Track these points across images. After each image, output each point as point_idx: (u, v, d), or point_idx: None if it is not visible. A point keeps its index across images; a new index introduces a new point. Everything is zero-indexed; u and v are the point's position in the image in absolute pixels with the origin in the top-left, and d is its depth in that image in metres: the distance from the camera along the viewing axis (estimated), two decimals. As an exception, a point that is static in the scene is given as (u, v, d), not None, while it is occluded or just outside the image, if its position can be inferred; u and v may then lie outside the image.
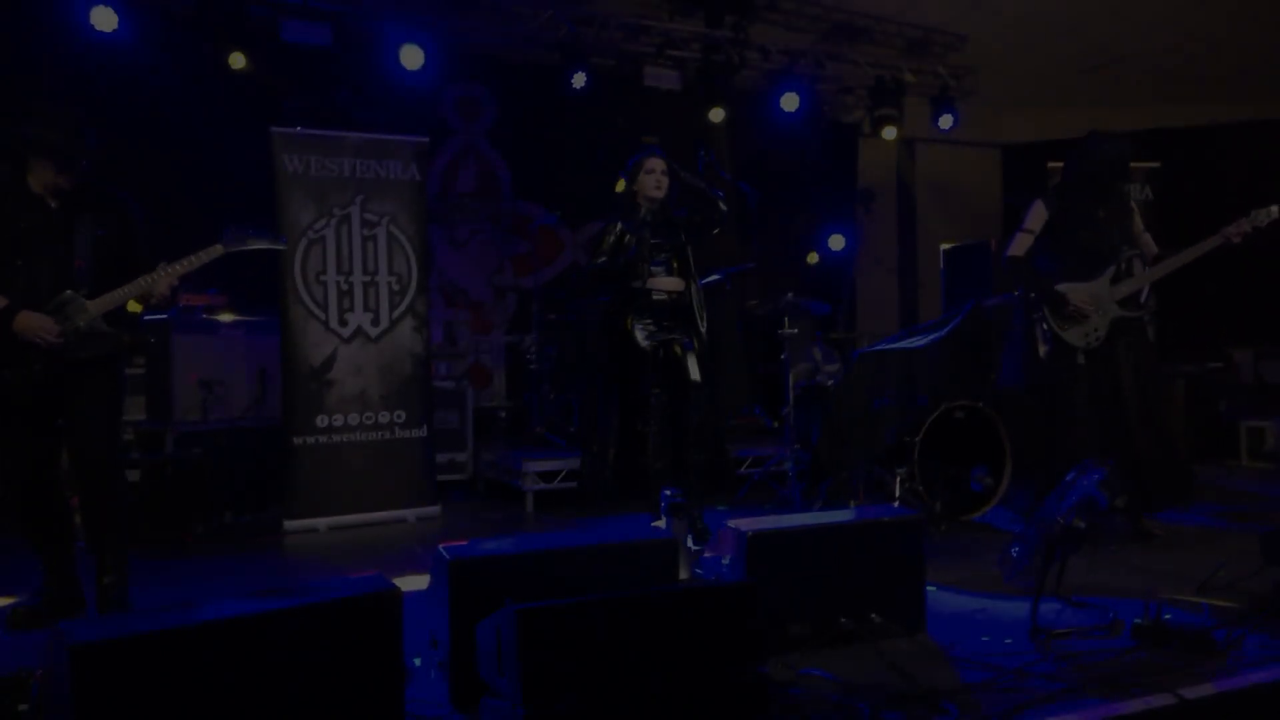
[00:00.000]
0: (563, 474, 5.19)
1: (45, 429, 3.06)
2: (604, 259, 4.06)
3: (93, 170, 3.09)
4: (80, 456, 3.03)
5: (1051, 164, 6.05)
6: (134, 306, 3.08)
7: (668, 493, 3.39)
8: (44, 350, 2.92)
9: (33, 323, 2.89)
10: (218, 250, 3.09)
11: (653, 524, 3.81)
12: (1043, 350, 3.99)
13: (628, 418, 4.33)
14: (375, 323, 4.95)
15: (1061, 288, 3.93)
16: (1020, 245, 4.05)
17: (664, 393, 4.03)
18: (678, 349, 4.04)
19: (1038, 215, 4.05)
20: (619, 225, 4.10)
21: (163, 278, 3.02)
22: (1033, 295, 4.06)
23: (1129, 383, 3.97)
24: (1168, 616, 2.62)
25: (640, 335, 4.02)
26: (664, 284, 4.09)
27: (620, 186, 4.12)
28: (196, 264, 3.07)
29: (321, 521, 4.71)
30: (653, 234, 4.07)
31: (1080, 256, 3.97)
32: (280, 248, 3.28)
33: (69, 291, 2.96)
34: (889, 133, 7.82)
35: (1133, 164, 6.48)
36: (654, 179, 4.08)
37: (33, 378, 2.95)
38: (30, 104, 3.02)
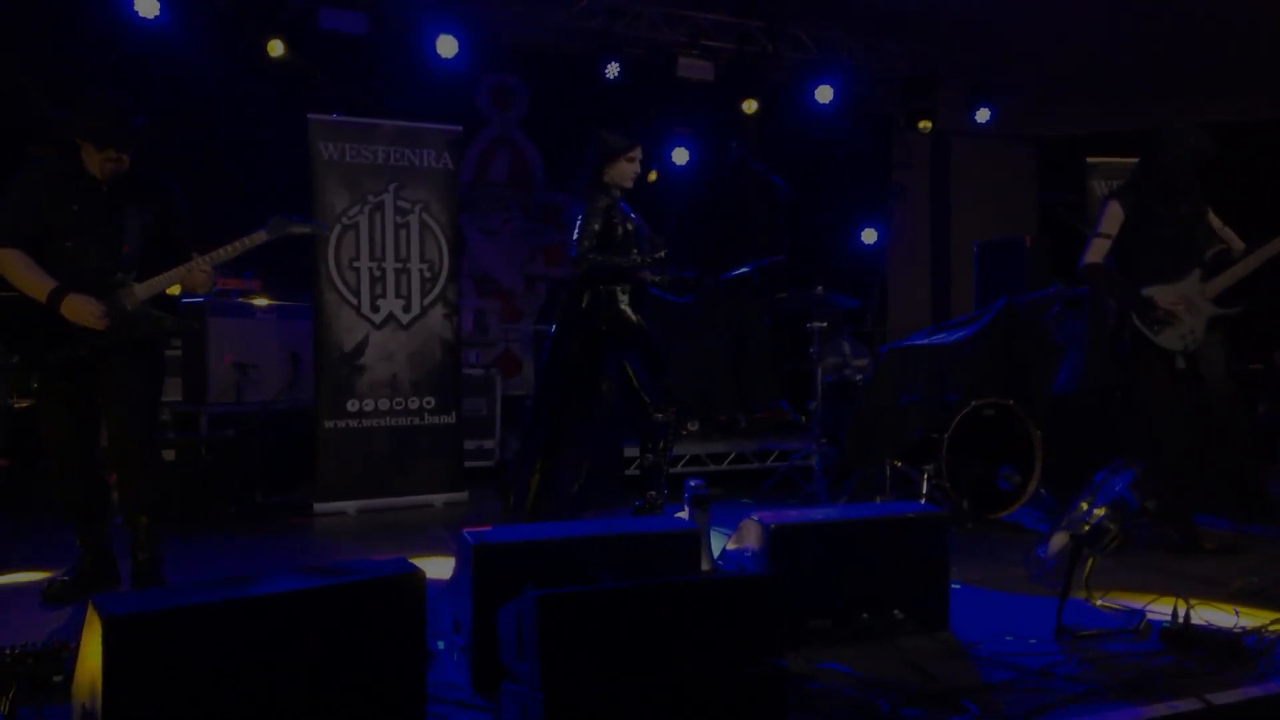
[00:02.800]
0: (588, 463, 5.21)
1: (86, 408, 3.13)
2: (596, 243, 3.64)
3: (139, 155, 3.15)
4: (118, 435, 3.10)
5: (1097, 160, 5.91)
6: (173, 289, 3.15)
7: (692, 484, 3.39)
8: (90, 332, 3.00)
9: (80, 306, 2.96)
10: (261, 237, 3.16)
11: (676, 514, 3.82)
12: (1126, 353, 3.78)
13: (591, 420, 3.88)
14: (406, 309, 5.00)
15: (1147, 291, 3.72)
16: (1097, 251, 3.81)
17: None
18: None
19: (1113, 217, 3.80)
20: (621, 209, 3.75)
21: (211, 259, 3.10)
22: (1116, 301, 3.82)
23: (1220, 384, 3.83)
24: (1197, 621, 2.58)
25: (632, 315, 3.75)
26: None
27: (638, 173, 3.91)
28: (240, 249, 3.14)
29: (350, 504, 4.78)
30: (636, 224, 3.81)
31: (1162, 256, 3.78)
32: (324, 232, 3.31)
33: (119, 274, 3.04)
34: (924, 126, 7.72)
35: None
36: (634, 168, 3.77)
37: (78, 359, 3.03)
38: (78, 90, 3.09)
